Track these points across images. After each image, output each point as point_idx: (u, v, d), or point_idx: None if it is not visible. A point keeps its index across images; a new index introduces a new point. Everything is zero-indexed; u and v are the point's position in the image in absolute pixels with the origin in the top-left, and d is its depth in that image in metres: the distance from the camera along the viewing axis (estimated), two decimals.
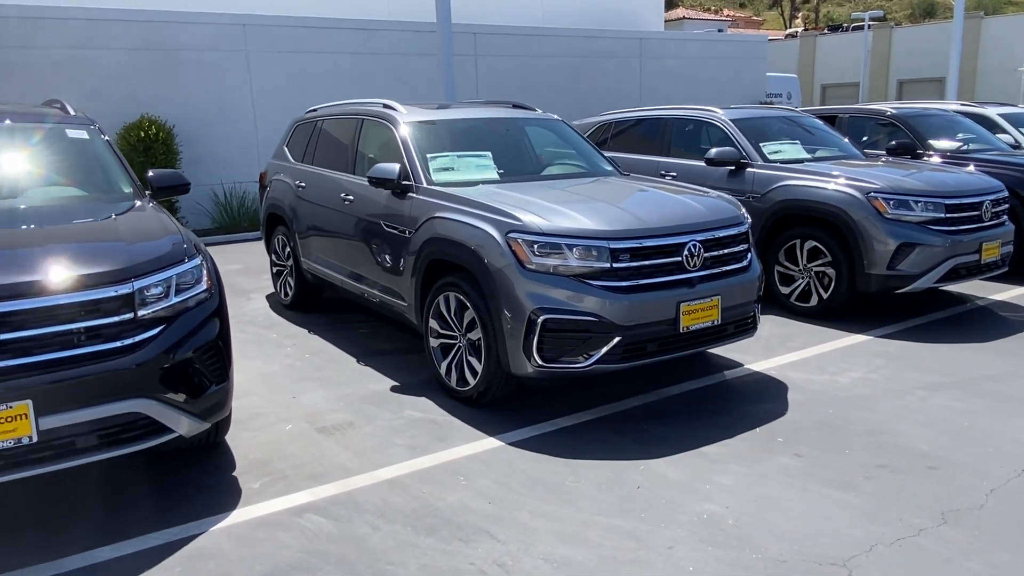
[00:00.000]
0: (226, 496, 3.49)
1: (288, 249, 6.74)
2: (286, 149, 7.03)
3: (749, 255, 4.69)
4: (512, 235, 4.15)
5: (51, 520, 3.29)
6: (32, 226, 3.46)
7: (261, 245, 9.05)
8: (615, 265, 4.09)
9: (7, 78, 10.17)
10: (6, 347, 2.84)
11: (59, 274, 2.99)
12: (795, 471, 3.68)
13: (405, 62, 13.28)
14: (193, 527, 3.21)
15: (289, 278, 6.83)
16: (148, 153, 10.32)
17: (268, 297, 7.37)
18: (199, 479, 3.66)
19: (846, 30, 40.49)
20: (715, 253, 4.42)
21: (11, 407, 2.80)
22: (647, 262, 4.17)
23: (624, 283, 4.09)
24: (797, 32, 46.41)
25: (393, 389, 4.85)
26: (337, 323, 6.42)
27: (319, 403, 4.65)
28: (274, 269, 7.19)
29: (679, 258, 4.25)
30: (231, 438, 4.09)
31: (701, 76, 17.28)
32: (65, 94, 8.11)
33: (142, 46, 11.10)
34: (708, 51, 17.60)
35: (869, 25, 32.70)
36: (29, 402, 2.83)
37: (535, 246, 4.09)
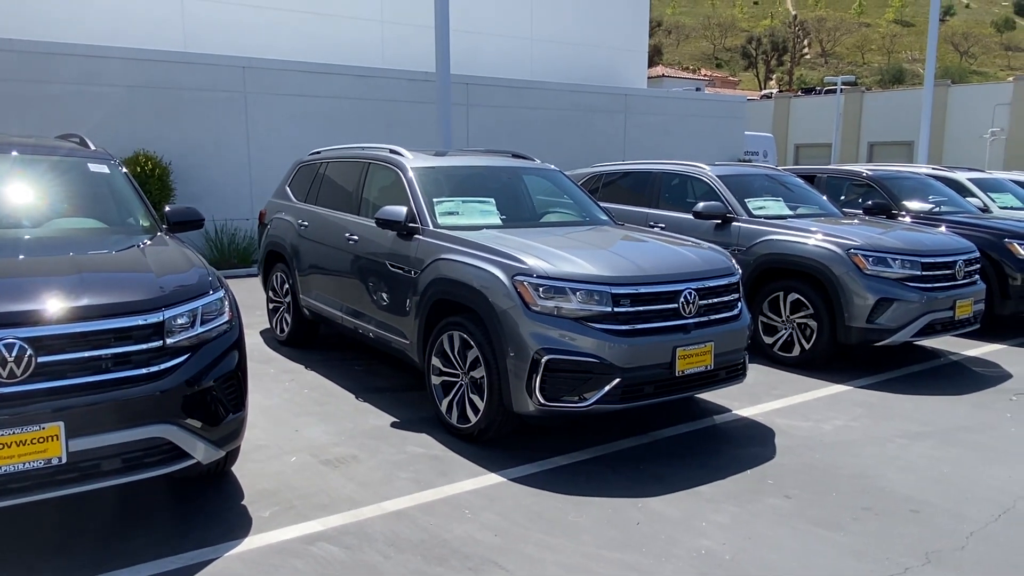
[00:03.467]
0: (237, 524, 3.57)
1: (287, 286, 6.87)
2: (288, 189, 7.21)
3: (740, 304, 4.92)
4: (518, 278, 4.34)
5: (66, 544, 3.34)
6: (63, 255, 3.58)
7: (251, 282, 9.18)
8: (616, 309, 4.29)
9: (7, 110, 10.29)
10: (42, 370, 2.94)
11: (94, 301, 3.12)
12: (786, 511, 3.84)
13: (398, 109, 13.62)
14: (208, 552, 3.29)
15: (286, 314, 6.94)
16: (143, 188, 10.41)
17: (262, 333, 7.46)
18: (210, 507, 3.73)
19: (819, 93, 42.00)
20: (709, 301, 4.65)
21: (43, 428, 2.89)
22: (646, 307, 4.38)
23: (624, 327, 4.29)
24: (772, 93, 47.96)
25: (393, 425, 4.96)
26: (333, 360, 6.53)
27: (321, 437, 4.75)
28: (270, 305, 7.30)
29: (676, 305, 4.47)
30: (237, 468, 4.16)
31: (682, 132, 17.87)
32: (63, 127, 8.26)
33: (142, 84, 11.32)
34: (689, 109, 18.23)
35: (841, 89, 33.98)
36: (61, 424, 2.92)
37: (540, 289, 4.28)
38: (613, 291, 4.30)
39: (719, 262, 4.92)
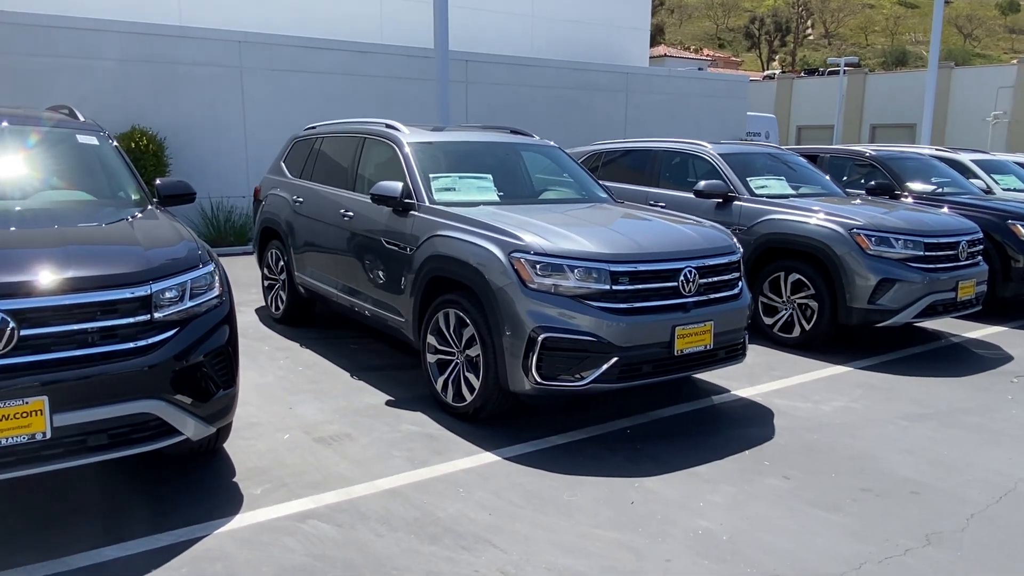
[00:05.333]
0: (228, 501, 3.52)
1: (282, 263, 6.79)
2: (283, 164, 7.11)
3: (740, 283, 4.85)
4: (515, 255, 4.26)
5: (54, 520, 3.30)
6: (50, 227, 3.50)
7: (247, 259, 9.10)
8: (614, 287, 4.21)
9: (2, 83, 10.14)
10: (25, 343, 2.87)
11: (79, 273, 3.04)
12: (784, 492, 3.79)
13: (396, 85, 13.46)
14: (198, 530, 3.24)
15: (281, 292, 6.87)
16: (138, 164, 10.29)
17: (257, 311, 7.39)
18: (200, 484, 3.68)
19: (822, 74, 41.66)
20: (709, 280, 4.57)
21: (27, 403, 2.83)
22: (645, 286, 4.30)
23: (622, 305, 4.22)
24: (775, 74, 47.61)
25: (388, 403, 4.90)
26: (328, 338, 6.46)
27: (315, 415, 4.69)
28: (265, 283, 7.22)
29: (675, 283, 4.39)
30: (229, 446, 4.11)
31: (684, 112, 17.70)
32: (58, 101, 8.14)
33: (137, 58, 11.16)
34: (691, 88, 18.04)
35: (844, 70, 33.69)
36: (45, 398, 2.86)
37: (537, 266, 4.20)
38: (611, 269, 4.22)
39: (720, 240, 4.83)
